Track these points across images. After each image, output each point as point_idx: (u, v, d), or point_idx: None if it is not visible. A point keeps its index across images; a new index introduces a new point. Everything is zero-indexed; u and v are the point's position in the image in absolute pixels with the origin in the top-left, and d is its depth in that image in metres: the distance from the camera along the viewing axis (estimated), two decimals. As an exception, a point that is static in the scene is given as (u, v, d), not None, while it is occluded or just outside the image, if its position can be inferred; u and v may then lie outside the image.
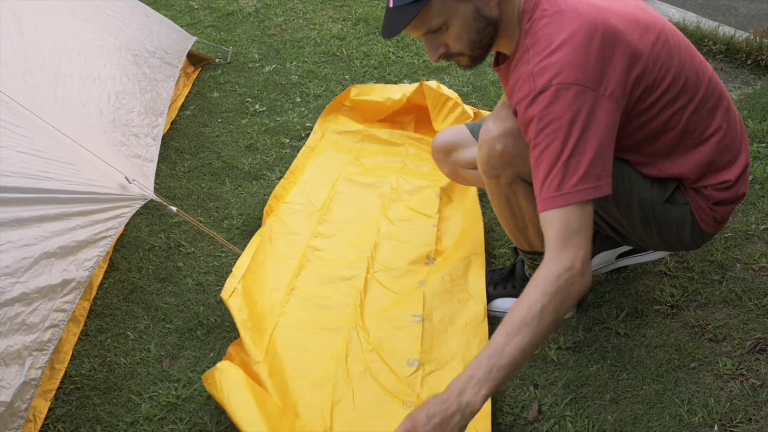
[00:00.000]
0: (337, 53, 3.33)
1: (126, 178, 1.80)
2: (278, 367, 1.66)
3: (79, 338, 1.85)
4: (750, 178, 2.15)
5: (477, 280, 1.85)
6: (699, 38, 3.00)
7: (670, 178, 1.48)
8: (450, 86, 2.88)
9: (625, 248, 1.82)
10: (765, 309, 1.74)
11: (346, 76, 3.11)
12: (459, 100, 2.43)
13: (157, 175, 2.41)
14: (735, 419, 1.49)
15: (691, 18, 3.19)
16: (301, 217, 2.18)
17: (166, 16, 3.74)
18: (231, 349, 1.70)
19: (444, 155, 1.84)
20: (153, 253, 2.14)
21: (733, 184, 1.47)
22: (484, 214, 2.11)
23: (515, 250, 1.96)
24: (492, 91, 2.83)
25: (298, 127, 2.75)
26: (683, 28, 3.06)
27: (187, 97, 3.02)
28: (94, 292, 1.98)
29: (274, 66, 3.26)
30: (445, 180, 2.24)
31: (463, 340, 1.70)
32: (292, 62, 3.28)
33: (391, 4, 1.31)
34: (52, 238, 1.53)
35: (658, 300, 1.79)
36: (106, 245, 1.65)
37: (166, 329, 1.87)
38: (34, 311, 1.46)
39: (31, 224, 1.52)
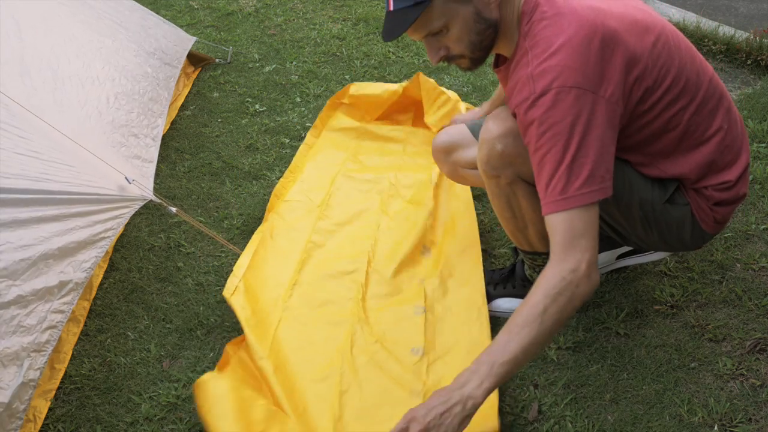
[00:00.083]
0: (337, 53, 3.33)
1: (126, 178, 1.80)
2: (283, 361, 1.67)
3: (79, 338, 1.85)
4: (750, 178, 2.15)
5: (474, 267, 1.87)
6: (699, 38, 3.00)
7: (670, 179, 1.48)
8: (450, 86, 2.88)
9: (625, 249, 1.82)
10: (765, 309, 1.74)
11: (346, 76, 3.11)
12: (458, 101, 2.43)
13: (157, 175, 2.41)
14: (735, 419, 1.49)
15: (691, 18, 3.19)
16: (301, 213, 2.19)
17: (166, 16, 3.75)
18: (228, 348, 1.70)
19: (444, 155, 1.84)
20: (153, 253, 2.14)
21: (733, 185, 1.47)
22: (484, 213, 2.11)
23: (515, 250, 1.96)
24: (492, 91, 2.83)
25: (298, 127, 2.75)
26: (683, 28, 3.06)
27: (187, 97, 3.02)
28: (94, 292, 1.98)
29: (274, 66, 3.26)
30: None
31: (465, 328, 1.73)
32: (292, 62, 3.28)
33: (391, 7, 1.30)
34: (51, 239, 1.53)
35: (658, 300, 1.79)
36: (104, 246, 1.65)
37: (166, 329, 1.87)
38: (30, 313, 1.46)
39: (29, 225, 1.52)
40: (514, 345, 1.20)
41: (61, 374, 1.74)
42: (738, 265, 1.87)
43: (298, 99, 2.96)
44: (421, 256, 1.98)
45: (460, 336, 1.71)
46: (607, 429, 1.50)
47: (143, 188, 1.84)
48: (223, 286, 1.91)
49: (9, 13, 2.07)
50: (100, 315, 1.93)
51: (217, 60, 3.30)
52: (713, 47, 2.94)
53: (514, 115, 1.37)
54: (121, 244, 2.17)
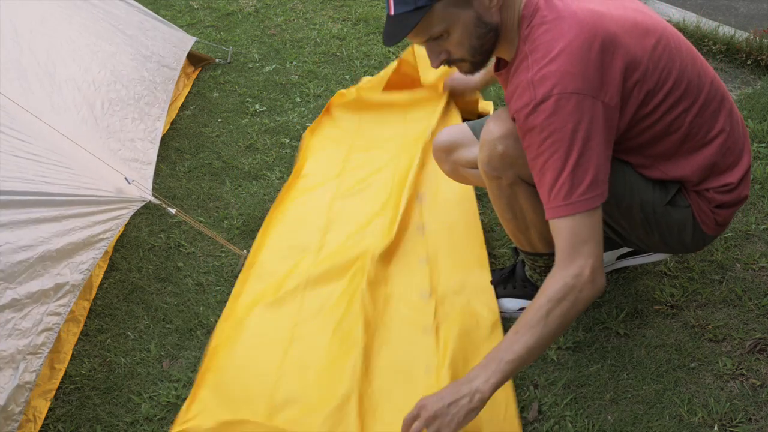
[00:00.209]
0: (337, 53, 3.32)
1: (125, 178, 1.80)
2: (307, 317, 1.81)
3: (79, 338, 1.85)
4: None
5: (473, 218, 2.04)
6: (699, 38, 3.00)
7: (671, 181, 1.48)
8: (450, 86, 2.88)
9: (625, 249, 1.82)
10: (765, 309, 1.74)
11: (346, 76, 3.11)
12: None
13: (157, 175, 2.41)
14: (735, 419, 1.49)
15: (691, 18, 3.19)
16: (317, 183, 2.30)
17: (165, 16, 3.75)
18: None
19: (445, 154, 1.84)
20: (153, 253, 2.14)
21: (735, 187, 1.47)
22: (484, 213, 2.11)
23: (515, 250, 1.96)
24: (492, 90, 2.83)
25: (298, 127, 2.75)
26: (683, 29, 3.06)
27: (187, 97, 3.02)
28: (94, 292, 1.98)
29: (274, 66, 3.25)
30: (436, 117, 2.38)
31: (467, 271, 1.88)
32: (292, 62, 3.28)
33: (392, 12, 1.30)
34: (51, 239, 1.53)
35: (658, 300, 1.79)
36: (102, 248, 1.65)
37: (166, 329, 1.87)
38: (26, 316, 1.46)
39: (29, 226, 1.52)
40: (520, 345, 1.27)
41: (61, 374, 1.74)
42: (738, 265, 1.88)
43: (298, 99, 2.96)
44: (417, 203, 2.13)
45: (464, 278, 1.87)
46: (607, 429, 1.50)
47: (142, 189, 1.84)
48: (224, 286, 1.91)
49: (5, 17, 2.06)
50: (100, 315, 1.93)
51: (217, 60, 3.30)
52: (713, 47, 2.94)
53: (514, 120, 1.37)
54: (121, 244, 2.17)
